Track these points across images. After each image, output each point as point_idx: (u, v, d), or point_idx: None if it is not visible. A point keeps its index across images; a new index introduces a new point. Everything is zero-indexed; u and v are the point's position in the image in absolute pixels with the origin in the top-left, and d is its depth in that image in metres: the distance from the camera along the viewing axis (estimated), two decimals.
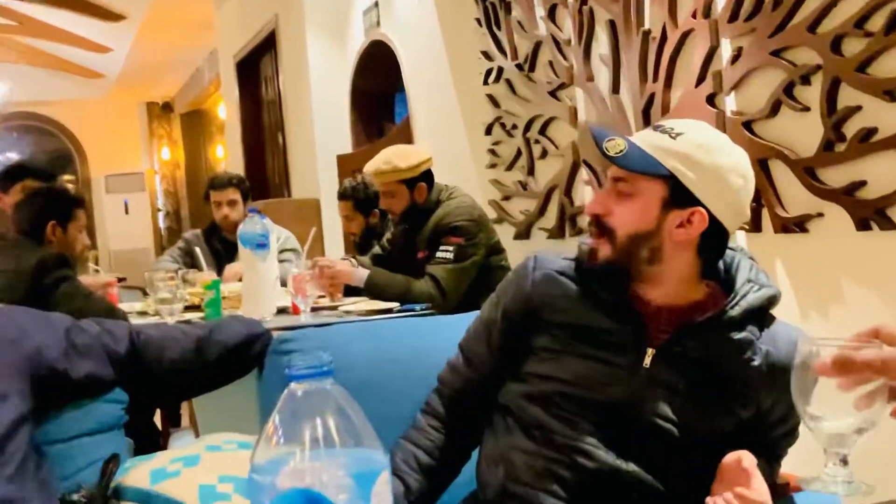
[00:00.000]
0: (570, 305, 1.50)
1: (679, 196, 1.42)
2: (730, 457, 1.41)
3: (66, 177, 12.92)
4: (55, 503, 1.49)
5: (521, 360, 1.54)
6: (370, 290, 3.33)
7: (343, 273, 3.34)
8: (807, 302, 2.61)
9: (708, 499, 1.40)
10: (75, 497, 1.51)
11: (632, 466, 1.43)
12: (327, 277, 3.26)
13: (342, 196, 4.36)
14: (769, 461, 1.51)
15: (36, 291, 2.69)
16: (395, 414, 1.81)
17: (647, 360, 1.43)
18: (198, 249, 4.08)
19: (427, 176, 3.48)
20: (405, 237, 3.59)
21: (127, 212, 13.56)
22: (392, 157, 3.48)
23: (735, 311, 1.43)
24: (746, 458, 1.38)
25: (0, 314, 1.64)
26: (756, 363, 1.42)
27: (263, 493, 0.65)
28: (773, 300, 1.46)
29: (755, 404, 1.44)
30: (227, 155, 9.96)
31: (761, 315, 1.45)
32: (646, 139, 1.45)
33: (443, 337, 1.94)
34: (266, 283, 2.90)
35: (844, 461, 0.96)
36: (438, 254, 3.35)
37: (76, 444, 1.64)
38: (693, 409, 1.43)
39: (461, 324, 1.81)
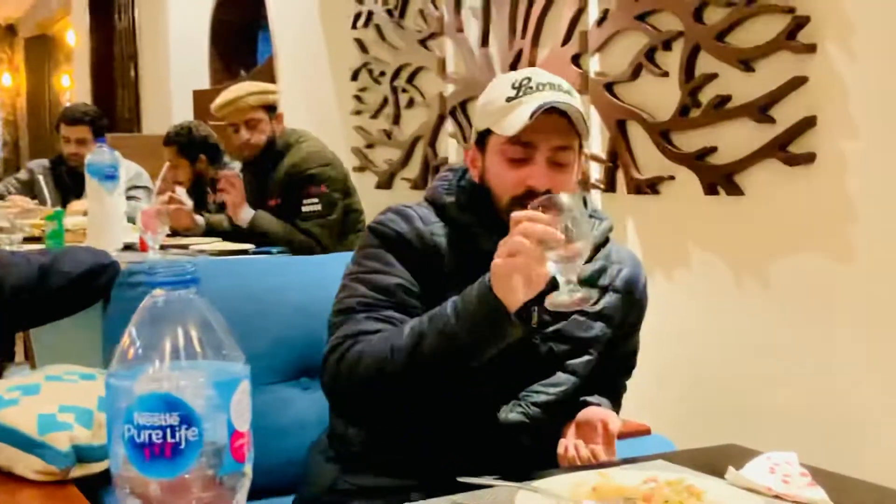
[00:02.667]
0: (453, 266, 1.48)
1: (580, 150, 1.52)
2: (593, 413, 1.46)
3: None
4: None
5: None
6: (252, 230, 3.27)
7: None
8: (653, 262, 2.70)
9: (563, 442, 1.44)
10: None
11: (511, 419, 1.46)
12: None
13: (166, 141, 4.17)
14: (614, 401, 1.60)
15: None
16: (248, 350, 1.76)
17: (534, 320, 1.47)
18: (42, 179, 3.89)
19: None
20: (252, 185, 3.50)
21: None
22: (251, 85, 3.42)
23: None
24: (612, 423, 1.44)
25: None
26: (612, 284, 1.56)
27: (121, 397, 0.63)
28: (611, 229, 1.60)
29: (615, 320, 1.56)
30: (73, 85, 9.49)
31: (604, 245, 1.57)
32: (570, 102, 1.45)
33: (299, 275, 1.93)
34: (113, 217, 2.80)
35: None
36: (305, 208, 3.32)
37: None
38: (575, 351, 1.51)
39: (318, 263, 1.79)
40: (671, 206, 2.65)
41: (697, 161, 2.52)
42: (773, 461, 1.20)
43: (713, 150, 2.48)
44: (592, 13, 2.89)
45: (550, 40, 3.07)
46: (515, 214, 1.30)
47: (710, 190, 2.49)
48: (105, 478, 1.46)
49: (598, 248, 1.54)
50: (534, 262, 1.26)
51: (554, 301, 1.29)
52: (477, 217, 1.50)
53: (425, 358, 1.34)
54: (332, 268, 1.84)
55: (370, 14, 4.16)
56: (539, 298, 1.36)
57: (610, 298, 1.55)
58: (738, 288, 2.44)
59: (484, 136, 1.52)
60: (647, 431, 1.77)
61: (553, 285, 1.30)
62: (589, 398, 1.54)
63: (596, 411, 1.47)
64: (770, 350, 2.35)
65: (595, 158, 2.90)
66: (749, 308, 2.41)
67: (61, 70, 11.81)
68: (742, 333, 2.43)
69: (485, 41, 3.40)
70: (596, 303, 1.49)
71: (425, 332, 1.34)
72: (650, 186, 2.69)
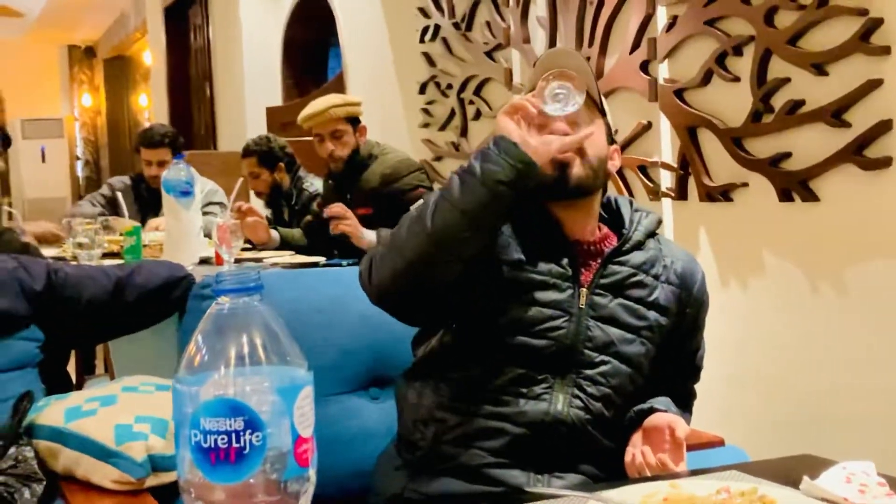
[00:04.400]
0: (507, 237, 1.48)
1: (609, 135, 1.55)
2: (660, 419, 1.44)
3: None
4: None
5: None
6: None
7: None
8: (727, 271, 2.66)
9: (630, 450, 1.43)
10: None
11: (573, 414, 1.44)
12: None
13: (245, 153, 4.23)
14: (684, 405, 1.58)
15: None
16: (315, 362, 1.77)
17: (583, 299, 1.47)
18: (121, 196, 3.99)
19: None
20: (335, 196, 3.53)
21: (44, 159, 13.10)
22: (337, 97, 3.46)
23: (638, 235, 1.54)
24: (680, 428, 1.40)
25: None
26: (666, 275, 1.54)
27: (187, 402, 0.65)
28: (660, 222, 1.60)
29: (672, 313, 1.54)
30: (150, 104, 9.72)
31: (653, 235, 1.58)
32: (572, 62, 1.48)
33: None
34: (189, 232, 2.85)
35: None
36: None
37: None
38: (627, 337, 1.48)
39: None
40: (744, 213, 2.60)
41: (771, 167, 2.47)
42: (850, 471, 1.17)
43: (787, 155, 2.43)
44: (661, 19, 2.86)
45: (618, 48, 3.05)
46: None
47: (785, 196, 2.44)
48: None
49: (648, 237, 1.56)
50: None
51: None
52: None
53: (443, 213, 1.35)
54: None
55: (437, 27, 4.19)
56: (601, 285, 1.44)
57: (664, 290, 1.54)
58: (815, 296, 2.39)
59: None
60: (720, 442, 1.73)
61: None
62: (656, 404, 1.51)
63: (663, 417, 1.44)
64: (847, 359, 2.29)
65: (666, 166, 2.86)
66: (826, 316, 2.35)
67: (139, 90, 12.13)
68: (818, 342, 2.37)
69: None
70: (650, 292, 1.52)
71: (450, 177, 1.39)
72: (722, 194, 2.65)
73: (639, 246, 1.54)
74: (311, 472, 0.69)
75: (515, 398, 1.44)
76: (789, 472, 1.22)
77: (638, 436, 1.46)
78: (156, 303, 1.80)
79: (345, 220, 3.18)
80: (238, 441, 0.63)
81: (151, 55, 9.13)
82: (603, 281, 1.49)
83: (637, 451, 1.42)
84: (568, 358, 1.46)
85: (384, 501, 1.53)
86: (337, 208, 3.20)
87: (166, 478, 1.49)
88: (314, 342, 1.81)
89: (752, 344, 2.54)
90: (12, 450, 1.43)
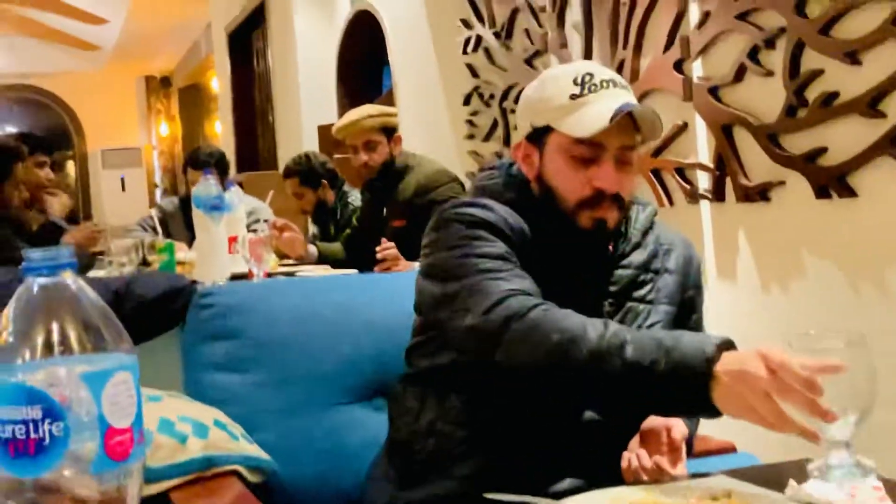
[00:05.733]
0: (534, 257, 1.44)
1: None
2: (657, 422, 1.37)
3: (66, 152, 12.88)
4: None
5: None
6: None
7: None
8: (767, 273, 2.55)
9: (626, 454, 1.36)
10: None
11: (589, 414, 1.40)
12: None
13: (287, 173, 4.24)
14: None
15: None
16: (318, 371, 1.77)
17: (605, 312, 1.45)
18: (171, 217, 4.04)
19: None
20: (372, 207, 3.51)
21: (124, 188, 13.48)
22: (372, 108, 3.45)
23: (636, 235, 1.52)
24: (676, 429, 1.35)
25: None
26: (666, 265, 1.53)
27: None
28: (655, 214, 1.58)
29: (675, 301, 1.52)
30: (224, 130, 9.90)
31: (650, 228, 1.55)
32: (633, 101, 1.44)
33: (369, 293, 1.90)
34: (219, 247, 2.84)
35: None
36: None
37: None
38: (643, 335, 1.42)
39: (389, 280, 1.75)
40: (782, 212, 2.49)
41: (807, 163, 2.35)
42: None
43: (823, 150, 2.32)
44: (693, 16, 2.77)
45: (652, 48, 2.96)
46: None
47: (822, 193, 2.32)
48: (162, 499, 1.46)
49: (646, 234, 1.53)
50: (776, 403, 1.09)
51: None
52: (546, 215, 1.46)
53: (613, 365, 1.20)
54: (400, 285, 1.81)
55: (479, 38, 4.15)
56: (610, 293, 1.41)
57: (666, 280, 1.52)
58: (856, 296, 2.26)
59: (542, 133, 1.47)
60: (731, 449, 1.64)
61: None
62: None
63: (659, 418, 1.37)
64: (890, 362, 2.16)
65: (701, 167, 2.76)
66: (867, 317, 2.22)
67: (213, 117, 12.39)
68: None
69: (588, 55, 3.32)
70: (653, 287, 1.50)
71: (627, 342, 1.20)
72: (760, 193, 2.54)
73: (638, 245, 1.51)
74: (132, 466, 0.64)
75: (531, 415, 1.39)
76: (785, 476, 1.13)
77: (635, 439, 1.39)
78: (155, 314, 1.78)
79: (395, 266, 3.07)
80: (37, 431, 0.59)
81: (218, 81, 9.30)
82: (612, 289, 1.47)
83: (633, 455, 1.35)
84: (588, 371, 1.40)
85: None
86: (390, 252, 3.09)
87: (148, 490, 1.46)
88: (317, 351, 1.78)
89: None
90: None
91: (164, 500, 1.46)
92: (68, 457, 0.60)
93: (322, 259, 3.48)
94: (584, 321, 1.25)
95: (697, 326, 1.59)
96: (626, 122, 1.42)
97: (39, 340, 0.62)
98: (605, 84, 1.43)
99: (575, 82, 1.44)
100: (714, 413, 1.14)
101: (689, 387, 1.13)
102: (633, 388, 1.19)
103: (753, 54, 2.51)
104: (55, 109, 13.45)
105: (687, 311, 1.56)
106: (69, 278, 0.64)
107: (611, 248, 1.50)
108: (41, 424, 0.59)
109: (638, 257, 1.50)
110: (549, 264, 1.43)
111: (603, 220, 1.43)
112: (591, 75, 1.44)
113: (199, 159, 4.25)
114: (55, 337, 0.62)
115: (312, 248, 3.50)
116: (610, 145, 1.42)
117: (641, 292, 1.49)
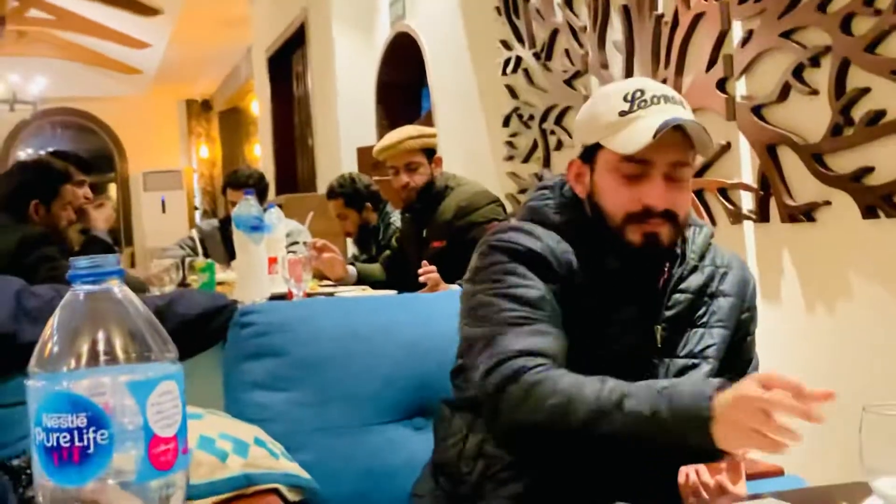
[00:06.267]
0: (583, 284, 1.42)
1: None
2: None
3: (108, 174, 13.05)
4: None
5: None
6: None
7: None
8: (813, 294, 2.50)
9: (684, 470, 1.34)
10: (15, 462, 1.47)
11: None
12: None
13: (330, 194, 4.24)
14: None
15: (17, 272, 2.62)
16: (358, 390, 1.76)
17: (659, 339, 1.43)
18: (209, 238, 4.07)
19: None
20: (413, 229, 3.50)
21: (164, 210, 13.62)
22: (412, 129, 3.44)
23: (693, 259, 1.49)
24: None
25: None
26: (723, 289, 1.50)
27: (32, 398, 0.60)
28: (712, 236, 1.56)
29: (731, 324, 1.50)
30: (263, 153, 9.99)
31: (706, 250, 1.52)
32: (690, 117, 1.42)
33: (409, 313, 1.89)
34: (259, 267, 2.85)
35: None
36: None
37: (21, 410, 1.59)
38: (694, 363, 1.44)
39: (429, 300, 1.74)
40: (828, 233, 2.44)
41: (853, 183, 2.31)
42: None
43: (870, 169, 2.27)
44: (736, 34, 2.74)
45: (694, 67, 2.94)
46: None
47: (869, 213, 2.28)
48: None
49: (702, 256, 1.50)
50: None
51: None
52: (596, 237, 1.44)
53: (614, 419, 1.22)
54: (441, 305, 1.80)
55: (518, 59, 4.15)
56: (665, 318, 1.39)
57: (722, 303, 1.49)
58: None
59: (593, 151, 1.45)
60: (779, 472, 1.60)
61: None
62: None
63: None
64: None
65: (745, 187, 2.73)
66: None
67: (252, 140, 12.50)
68: None
69: (629, 75, 3.30)
70: (708, 310, 1.48)
71: (626, 395, 1.22)
72: (805, 214, 2.50)
73: (696, 268, 1.49)
74: (176, 477, 0.63)
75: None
76: (833, 498, 1.10)
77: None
78: (196, 332, 1.78)
79: (436, 289, 3.03)
80: (81, 439, 0.59)
81: (258, 104, 9.39)
82: (668, 314, 1.45)
83: (691, 471, 1.32)
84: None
85: None
86: (432, 277, 3.02)
87: None
88: (357, 370, 1.77)
89: (841, 372, 2.37)
90: None
91: None
92: (112, 466, 0.59)
93: (361, 280, 3.48)
94: (580, 381, 1.26)
95: (751, 348, 1.56)
96: (677, 137, 1.39)
97: (85, 348, 0.61)
98: (655, 100, 1.41)
99: (625, 99, 1.42)
100: (718, 453, 1.17)
101: (693, 429, 1.15)
102: (637, 438, 1.21)
103: (798, 72, 2.48)
104: (98, 133, 13.65)
105: (741, 334, 1.54)
106: (115, 286, 0.64)
107: (666, 270, 1.46)
108: (86, 432, 0.59)
109: (695, 281, 1.48)
110: (599, 290, 1.41)
111: (654, 235, 1.40)
112: (643, 91, 1.42)
113: (239, 180, 4.28)
114: (101, 345, 0.62)
115: (352, 269, 3.50)
116: (659, 161, 1.39)
117: (697, 316, 1.47)
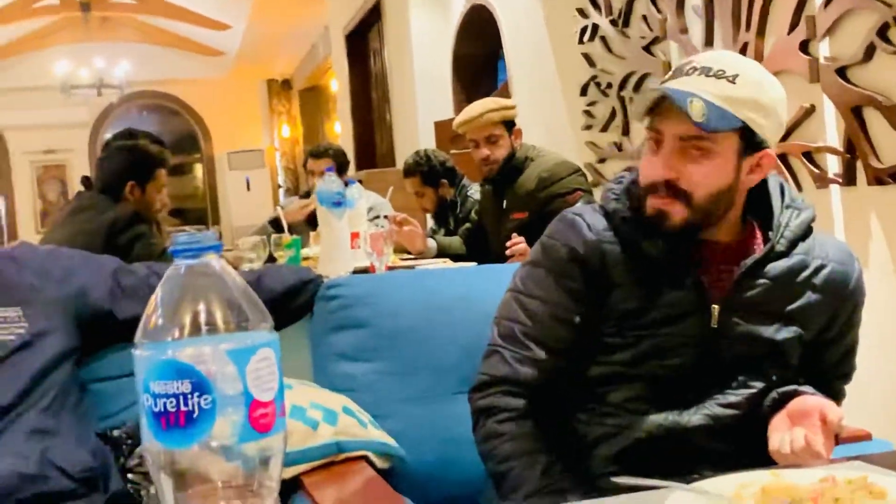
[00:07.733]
0: (624, 276, 1.41)
1: (750, 143, 1.37)
2: (809, 402, 1.31)
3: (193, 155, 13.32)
4: (91, 437, 1.51)
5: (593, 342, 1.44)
6: None
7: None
8: None
9: (777, 435, 1.30)
10: (115, 433, 1.53)
11: (697, 420, 1.37)
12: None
13: (407, 172, 4.25)
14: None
15: (110, 250, 2.72)
16: (440, 360, 1.79)
17: (714, 320, 1.37)
18: (282, 214, 4.15)
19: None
20: (493, 201, 3.50)
21: (248, 188, 13.85)
22: (491, 101, 3.43)
23: (782, 245, 1.40)
24: (833, 413, 1.27)
25: (49, 254, 1.68)
26: (814, 282, 1.41)
27: (140, 367, 0.64)
28: (813, 220, 1.43)
29: (816, 324, 1.41)
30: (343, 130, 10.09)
31: (804, 237, 1.42)
32: (711, 90, 1.34)
33: (488, 284, 1.89)
34: (342, 242, 2.90)
35: None
36: None
37: (122, 382, 1.67)
38: (764, 353, 1.39)
39: (506, 271, 1.76)
40: None
41: None
42: None
43: None
44: None
45: (776, 29, 2.88)
46: None
47: None
48: (294, 484, 1.50)
49: (796, 243, 1.41)
50: None
51: None
52: (640, 222, 1.41)
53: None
54: None
55: (595, 27, 4.11)
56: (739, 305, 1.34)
57: (808, 299, 1.40)
58: None
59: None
60: (867, 437, 1.58)
61: None
62: (801, 387, 1.37)
63: (812, 400, 1.30)
64: None
65: (831, 150, 2.67)
66: None
67: (332, 118, 12.62)
68: None
69: (709, 39, 3.25)
70: (788, 303, 1.39)
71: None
72: (892, 176, 2.44)
73: (784, 254, 1.40)
74: (274, 439, 0.67)
75: (635, 414, 1.38)
76: None
77: (780, 419, 1.32)
78: (284, 306, 1.83)
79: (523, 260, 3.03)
80: (186, 404, 0.63)
81: (337, 82, 9.48)
82: (738, 298, 1.38)
83: (785, 434, 1.28)
84: (695, 381, 1.38)
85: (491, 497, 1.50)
86: (519, 248, 3.04)
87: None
88: (439, 341, 1.81)
89: None
90: (139, 448, 1.49)
91: (296, 485, 1.51)
92: (215, 428, 0.63)
93: (441, 253, 3.51)
94: (521, 451, 1.38)
95: (838, 357, 1.48)
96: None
97: (187, 319, 0.66)
98: (688, 71, 1.37)
99: (673, 69, 1.42)
100: None
101: None
102: None
103: (883, 32, 2.42)
104: (182, 114, 13.94)
105: (826, 338, 1.45)
106: (213, 260, 0.68)
107: (748, 246, 1.42)
108: (190, 398, 0.63)
109: (780, 267, 1.39)
110: (642, 277, 1.39)
111: (662, 212, 1.36)
112: (690, 62, 1.39)
113: (319, 149, 4.40)
114: (202, 316, 0.66)
115: (432, 243, 3.54)
116: (667, 132, 1.36)
117: (777, 307, 1.39)
